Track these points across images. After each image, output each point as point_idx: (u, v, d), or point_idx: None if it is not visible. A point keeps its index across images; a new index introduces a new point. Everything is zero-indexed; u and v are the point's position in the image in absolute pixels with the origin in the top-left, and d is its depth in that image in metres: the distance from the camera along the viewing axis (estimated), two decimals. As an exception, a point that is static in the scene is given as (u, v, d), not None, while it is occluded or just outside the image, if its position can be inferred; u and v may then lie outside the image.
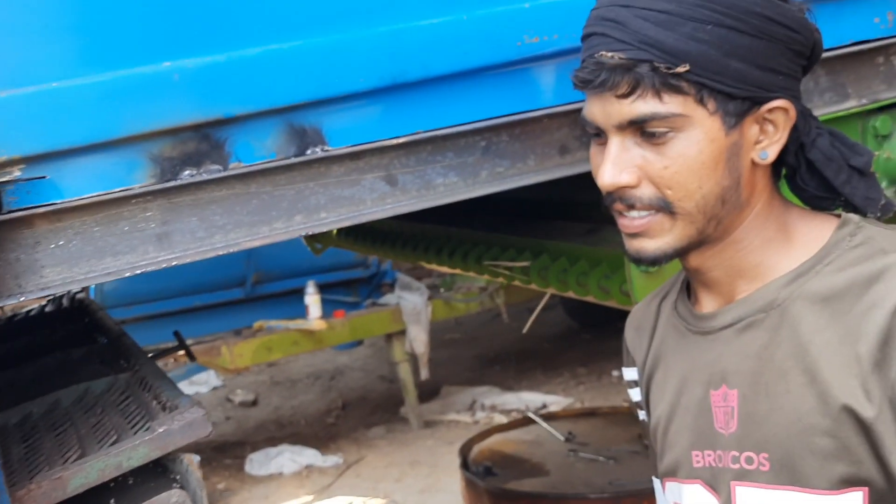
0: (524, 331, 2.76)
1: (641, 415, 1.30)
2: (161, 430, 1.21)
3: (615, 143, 1.03)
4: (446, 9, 1.29)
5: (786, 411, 1.01)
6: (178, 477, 1.24)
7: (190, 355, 1.97)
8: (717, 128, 1.01)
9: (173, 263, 1.15)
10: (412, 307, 5.82)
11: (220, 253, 1.18)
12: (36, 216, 1.09)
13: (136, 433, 1.26)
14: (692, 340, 1.13)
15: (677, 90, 0.99)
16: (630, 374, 1.29)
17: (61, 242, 1.10)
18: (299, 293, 5.61)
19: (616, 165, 1.02)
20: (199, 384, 6.97)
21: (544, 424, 2.77)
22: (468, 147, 1.36)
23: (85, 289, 2.55)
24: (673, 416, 1.14)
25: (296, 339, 5.38)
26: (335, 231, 2.88)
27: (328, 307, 5.72)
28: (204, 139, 1.16)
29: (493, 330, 8.01)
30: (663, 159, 1.01)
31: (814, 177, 1.09)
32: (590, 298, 1.81)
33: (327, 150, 1.24)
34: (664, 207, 1.02)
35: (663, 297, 1.23)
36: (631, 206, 1.04)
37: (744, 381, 1.05)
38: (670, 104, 0.99)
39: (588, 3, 1.41)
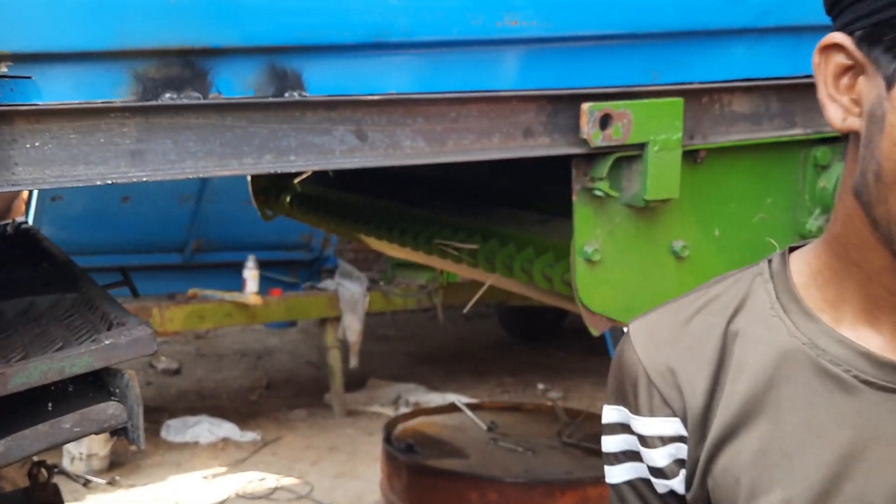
0: (465, 311, 2.81)
1: (658, 485, 0.87)
2: (107, 342, 1.23)
3: None
4: (436, -20, 1.35)
5: None
6: (117, 391, 1.27)
7: (134, 292, 1.99)
8: None
9: (143, 180, 1.18)
10: (350, 295, 5.85)
11: (189, 177, 1.21)
12: (16, 113, 1.11)
13: (81, 345, 1.28)
14: (870, 397, 0.78)
15: None
16: (653, 425, 0.85)
17: (37, 143, 1.13)
18: (238, 266, 5.59)
19: None
20: (125, 346, 6.87)
21: (468, 412, 2.84)
22: (438, 115, 1.42)
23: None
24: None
25: (229, 311, 5.36)
26: (288, 199, 2.90)
27: (266, 285, 5.71)
28: (188, 66, 1.20)
29: (427, 330, 8.06)
30: None
31: None
32: (533, 286, 1.88)
33: (304, 96, 1.29)
34: None
35: (733, 315, 0.85)
36: None
37: None
38: None
39: (568, -3, 1.48)
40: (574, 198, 1.57)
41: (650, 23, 1.55)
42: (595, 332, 1.64)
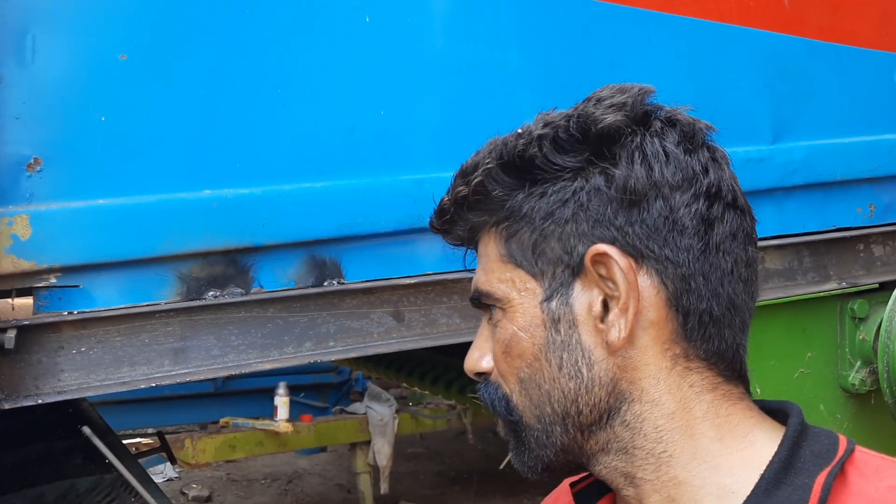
0: (500, 467, 2.76)
1: None
2: (148, 539, 1.23)
3: None
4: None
5: None
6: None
7: (171, 458, 1.98)
8: None
9: (187, 380, 1.19)
10: (379, 418, 5.79)
11: (232, 373, 1.22)
12: (64, 322, 1.13)
13: (121, 539, 1.27)
14: None
15: None
16: None
17: (83, 349, 1.15)
18: (269, 392, 5.58)
19: None
20: (155, 474, 6.81)
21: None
22: (473, 291, 1.43)
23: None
24: None
25: (260, 440, 5.31)
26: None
27: (296, 409, 5.68)
28: (231, 263, 1.22)
29: (457, 447, 7.92)
30: None
31: None
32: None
33: (343, 284, 1.31)
34: None
35: None
36: None
37: None
38: None
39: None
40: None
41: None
42: None
